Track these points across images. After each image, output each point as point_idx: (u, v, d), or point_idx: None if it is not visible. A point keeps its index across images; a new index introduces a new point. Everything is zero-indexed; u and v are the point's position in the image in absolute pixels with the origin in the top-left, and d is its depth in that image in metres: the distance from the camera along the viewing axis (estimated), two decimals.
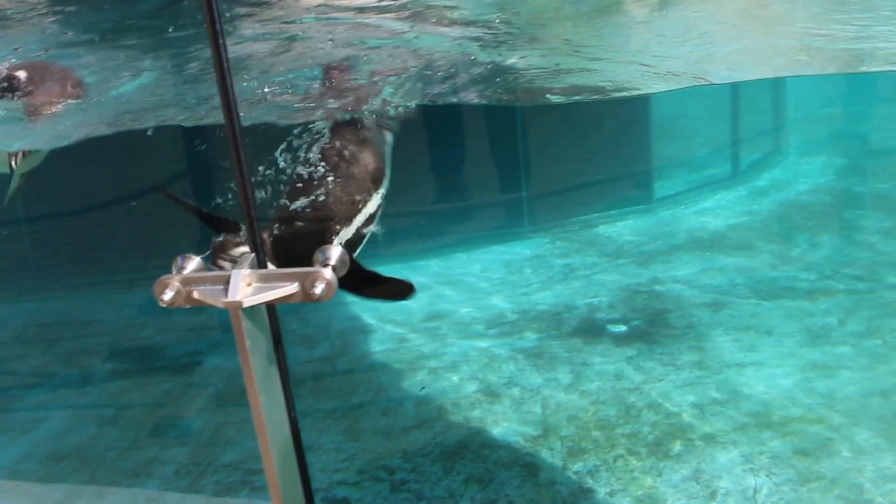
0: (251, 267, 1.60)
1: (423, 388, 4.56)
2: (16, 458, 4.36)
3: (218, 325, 5.54)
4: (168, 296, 1.57)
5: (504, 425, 4.11)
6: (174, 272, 1.62)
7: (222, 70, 1.52)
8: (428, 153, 6.61)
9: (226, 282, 1.57)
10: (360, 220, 2.87)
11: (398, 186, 3.30)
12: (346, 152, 3.04)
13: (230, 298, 1.54)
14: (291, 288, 1.57)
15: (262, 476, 1.79)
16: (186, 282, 1.58)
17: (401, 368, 4.83)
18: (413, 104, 3.51)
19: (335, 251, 1.66)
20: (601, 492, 3.52)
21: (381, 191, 3.09)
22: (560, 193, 7.00)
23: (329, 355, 5.12)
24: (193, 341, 5.36)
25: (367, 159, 3.07)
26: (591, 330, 5.08)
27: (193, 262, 1.65)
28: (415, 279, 2.91)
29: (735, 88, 7.65)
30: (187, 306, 1.58)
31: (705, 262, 6.04)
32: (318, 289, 1.57)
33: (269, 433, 1.65)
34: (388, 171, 3.18)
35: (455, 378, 4.63)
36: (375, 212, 2.99)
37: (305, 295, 1.57)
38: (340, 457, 3.97)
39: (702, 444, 3.78)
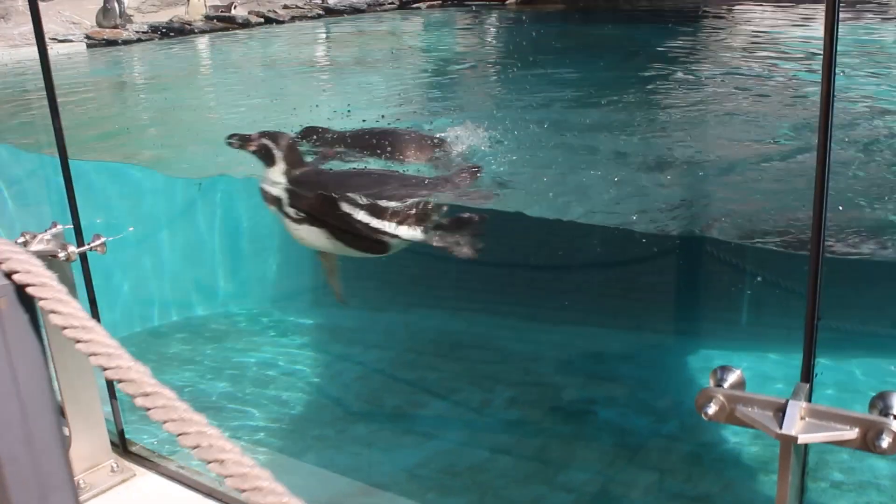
0: (805, 399, 1.47)
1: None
2: (415, 463, 4.64)
3: (614, 378, 5.50)
4: (711, 410, 1.48)
5: None
6: (713, 383, 1.53)
7: None
8: None
9: (778, 409, 1.44)
10: None
11: None
12: None
13: (784, 431, 1.41)
14: (850, 434, 1.41)
15: None
16: (732, 399, 1.49)
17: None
18: None
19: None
20: None
21: None
22: None
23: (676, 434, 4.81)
24: (592, 389, 5.36)
25: None
26: None
27: (734, 375, 1.55)
28: None
29: None
30: (730, 424, 1.48)
31: None
32: (884, 442, 1.39)
33: None
34: None
35: None
36: None
37: (865, 444, 1.40)
38: None
39: None
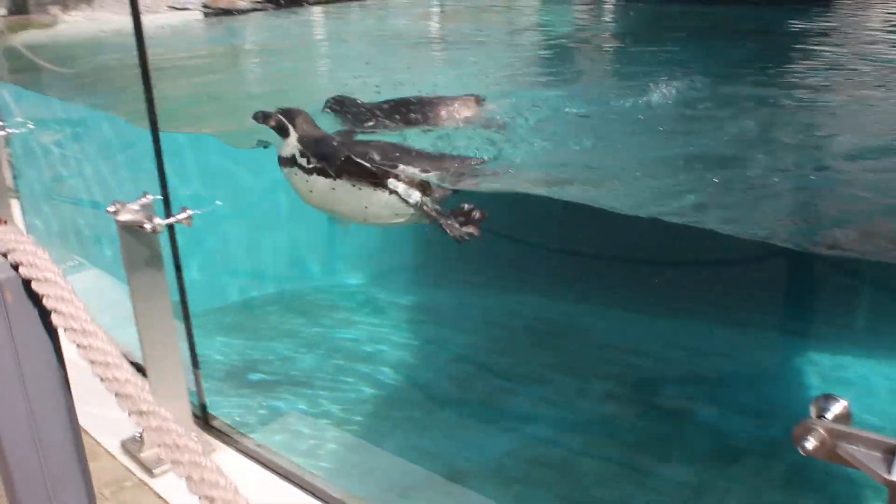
0: None
1: None
2: (503, 453, 4.52)
3: (716, 376, 5.22)
4: (810, 444, 1.29)
5: None
6: (814, 413, 1.34)
7: None
8: None
9: (888, 451, 1.24)
10: None
11: None
12: None
13: (894, 478, 1.21)
14: None
15: None
16: (834, 434, 1.29)
17: None
18: None
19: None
20: None
21: None
22: None
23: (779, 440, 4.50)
24: (691, 387, 5.11)
25: None
26: None
27: (838, 406, 1.35)
28: None
29: None
30: (830, 462, 1.29)
31: None
32: None
33: None
34: None
35: None
36: None
37: None
38: None
39: None
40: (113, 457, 3.34)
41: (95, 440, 3.46)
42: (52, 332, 1.26)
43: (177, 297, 3.39)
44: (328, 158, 3.56)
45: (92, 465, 3.27)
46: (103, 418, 3.48)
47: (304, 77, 7.09)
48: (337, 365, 5.38)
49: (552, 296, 6.25)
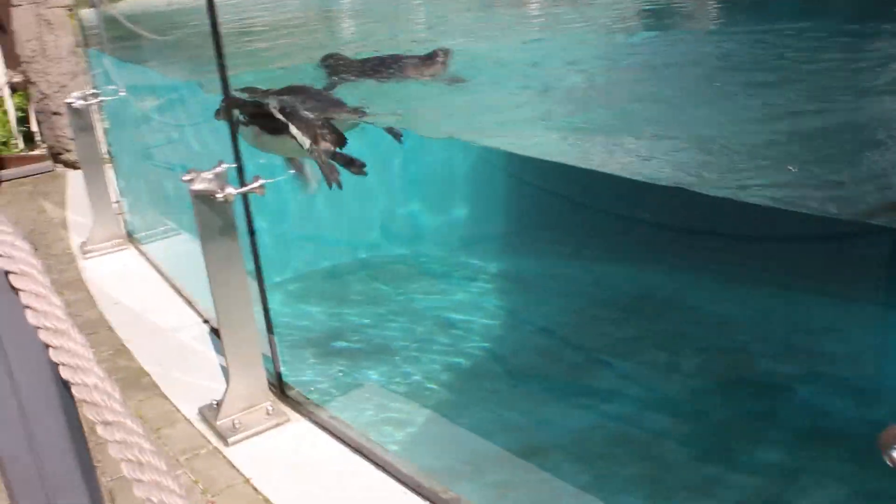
0: None
1: None
2: (586, 426, 4.39)
3: (817, 352, 4.95)
4: None
5: None
6: None
7: None
8: None
9: None
10: None
11: None
12: None
13: None
14: None
15: None
16: None
17: None
18: None
19: None
20: None
21: None
22: None
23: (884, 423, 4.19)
24: (790, 363, 4.85)
25: None
26: None
27: None
28: None
29: None
30: None
31: None
32: None
33: None
34: None
35: None
36: None
37: None
38: None
39: None
40: (190, 423, 3.37)
41: (175, 406, 3.50)
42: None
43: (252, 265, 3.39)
44: (251, 114, 4.02)
45: (169, 432, 3.33)
46: (182, 384, 3.52)
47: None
48: (420, 334, 5.34)
49: (645, 262, 6.04)
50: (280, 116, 3.99)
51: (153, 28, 6.01)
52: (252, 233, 3.31)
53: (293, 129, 4.04)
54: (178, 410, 3.46)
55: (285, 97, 4.23)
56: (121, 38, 5.90)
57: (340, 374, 4.67)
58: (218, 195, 3.03)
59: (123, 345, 3.93)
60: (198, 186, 3.09)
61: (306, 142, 4.05)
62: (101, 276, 4.74)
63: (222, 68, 3.21)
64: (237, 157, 3.26)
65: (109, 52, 5.89)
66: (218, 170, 3.16)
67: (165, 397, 3.54)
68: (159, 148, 5.80)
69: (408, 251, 6.60)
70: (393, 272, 6.34)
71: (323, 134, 4.07)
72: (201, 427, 3.34)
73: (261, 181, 3.14)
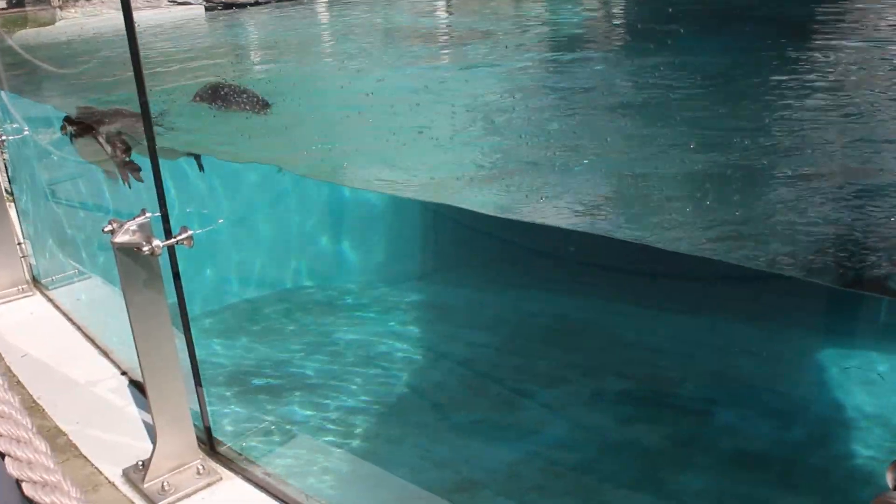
0: None
1: None
2: (516, 459, 4.39)
3: (735, 375, 5.07)
4: None
5: None
6: (892, 483, 1.19)
7: None
8: None
9: None
10: None
11: None
12: None
13: None
14: None
15: None
16: None
17: None
18: None
19: None
20: None
21: None
22: None
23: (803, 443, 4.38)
24: (712, 387, 4.97)
25: None
26: None
27: None
28: None
29: None
30: None
31: None
32: None
33: None
34: None
35: None
36: None
37: None
38: None
39: None
40: (114, 486, 3.20)
41: (97, 468, 3.32)
42: None
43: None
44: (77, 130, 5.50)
45: (92, 497, 3.15)
46: (103, 443, 3.36)
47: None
48: (346, 366, 5.26)
49: (567, 292, 6.12)
50: (97, 130, 5.28)
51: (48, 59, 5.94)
52: (179, 286, 3.17)
53: (101, 140, 5.27)
54: (101, 473, 3.27)
55: (106, 115, 5.49)
56: (24, 72, 5.83)
57: (265, 416, 4.55)
58: (144, 248, 2.90)
59: (36, 402, 3.71)
60: (121, 239, 2.94)
61: (108, 149, 5.23)
62: (5, 325, 4.48)
63: (146, 113, 3.07)
64: (162, 205, 3.12)
65: (9, 89, 5.65)
66: (141, 220, 3.01)
67: (86, 458, 3.34)
68: (64, 185, 5.58)
69: (325, 283, 6.51)
70: (312, 305, 6.23)
71: (119, 145, 5.20)
72: (127, 490, 3.17)
73: (189, 232, 3.02)
